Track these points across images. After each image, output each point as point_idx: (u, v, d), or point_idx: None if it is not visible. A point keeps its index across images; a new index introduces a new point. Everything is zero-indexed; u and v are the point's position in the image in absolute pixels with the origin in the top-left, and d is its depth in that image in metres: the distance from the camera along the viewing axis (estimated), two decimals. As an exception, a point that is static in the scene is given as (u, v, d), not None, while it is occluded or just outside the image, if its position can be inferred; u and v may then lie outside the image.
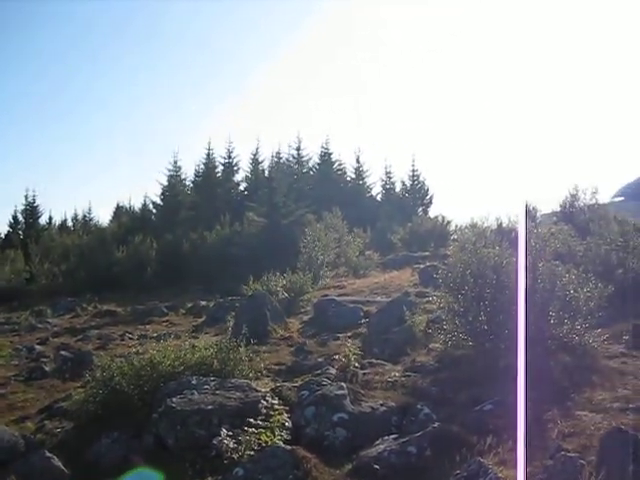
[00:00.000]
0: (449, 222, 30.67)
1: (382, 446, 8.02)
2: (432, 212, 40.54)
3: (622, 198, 58.90)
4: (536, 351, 8.65)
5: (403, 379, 10.45)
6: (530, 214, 21.70)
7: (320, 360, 11.96)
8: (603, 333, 11.19)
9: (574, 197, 25.09)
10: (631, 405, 8.49)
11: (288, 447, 7.87)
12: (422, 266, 19.72)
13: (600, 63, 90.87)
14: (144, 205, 40.14)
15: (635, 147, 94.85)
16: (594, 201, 25.15)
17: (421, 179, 43.32)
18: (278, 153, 42.74)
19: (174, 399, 9.14)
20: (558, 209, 25.25)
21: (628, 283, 14.13)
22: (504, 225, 19.07)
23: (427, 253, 25.25)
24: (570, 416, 8.28)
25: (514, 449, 7.33)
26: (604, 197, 27.29)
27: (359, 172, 43.34)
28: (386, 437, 8.28)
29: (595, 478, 6.54)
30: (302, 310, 17.74)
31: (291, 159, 43.43)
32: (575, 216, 23.19)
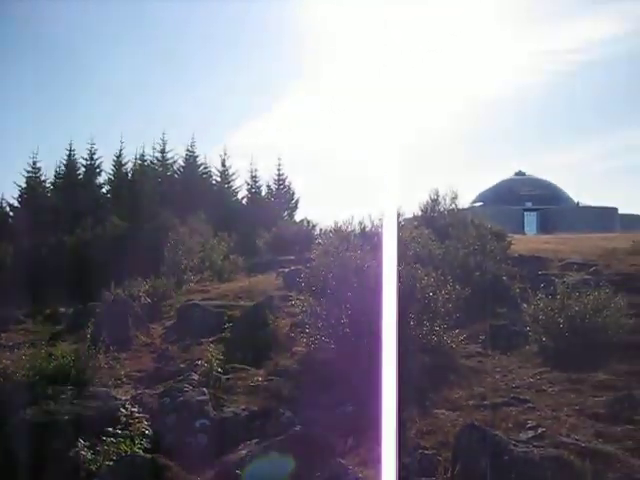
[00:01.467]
0: (314, 226, 30.89)
1: (244, 451, 8.00)
2: (298, 216, 40.77)
3: (481, 203, 61.35)
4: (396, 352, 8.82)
5: (266, 383, 10.45)
6: (392, 218, 22.12)
7: (183, 366, 11.77)
8: (461, 333, 11.60)
9: (435, 202, 25.75)
10: (486, 402, 8.82)
11: (148, 456, 7.72)
12: (287, 270, 19.73)
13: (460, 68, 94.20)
14: (0, 207, 38.48)
15: (494, 154, 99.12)
16: (454, 206, 25.92)
17: (287, 183, 43.54)
18: (142, 155, 41.87)
19: (28, 410, 8.80)
20: (419, 213, 25.85)
21: (485, 285, 14.66)
22: (367, 229, 19.34)
23: (292, 257, 25.31)
24: (428, 415, 8.51)
25: (374, 449, 7.46)
26: (464, 202, 28.19)
27: (225, 175, 43.01)
28: (248, 442, 8.25)
29: (451, 473, 6.75)
30: (165, 315, 17.43)
31: (155, 161, 42.66)
32: (436, 220, 23.81)
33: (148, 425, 8.68)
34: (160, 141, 42.57)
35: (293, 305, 13.34)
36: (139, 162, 41.36)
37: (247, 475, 7.33)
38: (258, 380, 10.60)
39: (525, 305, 12.62)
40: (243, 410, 9.17)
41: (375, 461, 7.31)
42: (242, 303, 16.74)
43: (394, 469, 6.72)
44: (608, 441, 7.35)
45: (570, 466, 6.55)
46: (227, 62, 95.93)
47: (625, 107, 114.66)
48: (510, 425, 7.85)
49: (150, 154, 42.48)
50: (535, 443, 7.02)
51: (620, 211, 70.62)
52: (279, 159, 44.14)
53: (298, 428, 8.22)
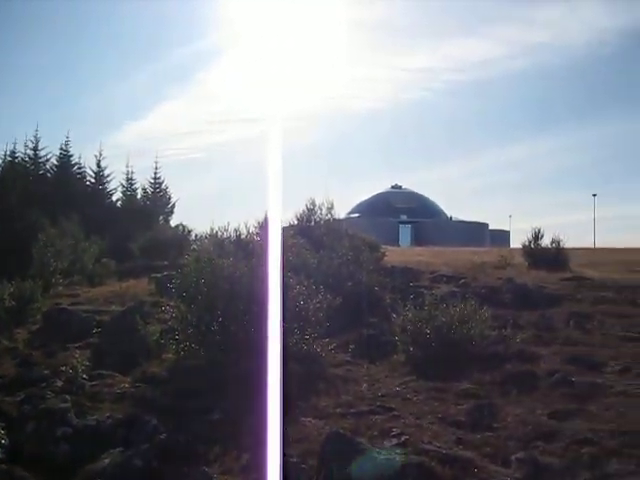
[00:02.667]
0: (190, 231, 30.56)
1: (107, 460, 7.79)
2: (174, 220, 40.25)
3: (358, 214, 62.26)
4: (266, 360, 8.80)
5: (133, 390, 10.21)
6: (269, 227, 22.18)
7: (46, 372, 11.34)
8: (331, 342, 11.70)
9: (311, 211, 25.86)
10: (352, 410, 8.92)
11: (4, 466, 7.41)
12: (160, 275, 19.41)
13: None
14: None
15: (372, 167, 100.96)
16: (330, 216, 26.10)
17: (164, 187, 42.93)
18: (13, 152, 40.35)
19: None
20: (295, 222, 25.90)
21: (357, 295, 14.87)
22: (243, 236, 19.25)
23: (166, 262, 24.93)
24: (295, 423, 8.51)
25: (239, 457, 7.44)
26: (341, 213, 28.42)
27: (99, 177, 41.97)
28: (112, 450, 8.03)
29: (315, 481, 6.77)
30: (31, 320, 16.79)
31: (27, 159, 41.17)
32: (311, 230, 23.91)
33: (5, 434, 8.31)
34: (33, 139, 41.15)
35: (164, 311, 13.11)
36: (9, 159, 39.85)
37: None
38: (125, 387, 10.35)
39: (395, 315, 12.86)
40: (107, 418, 8.90)
41: (241, 469, 7.28)
42: (112, 308, 16.35)
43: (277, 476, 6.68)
44: (468, 447, 7.58)
45: (431, 472, 6.71)
46: (106, 63, 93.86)
47: (497, 127, 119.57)
48: (375, 433, 7.97)
49: (22, 151, 40.98)
50: (398, 450, 7.15)
51: (491, 227, 73.33)
52: (156, 162, 43.48)
53: (163, 436, 8.08)
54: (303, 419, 8.62)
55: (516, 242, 34.56)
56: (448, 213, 75.90)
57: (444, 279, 17.87)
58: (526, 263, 22.79)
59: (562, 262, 22.35)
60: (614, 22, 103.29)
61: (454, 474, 6.77)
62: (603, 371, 10.74)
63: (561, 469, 7.06)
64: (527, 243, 24.15)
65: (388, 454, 6.94)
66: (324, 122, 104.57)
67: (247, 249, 13.98)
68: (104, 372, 11.17)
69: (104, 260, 26.11)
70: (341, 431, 7.27)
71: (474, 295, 14.07)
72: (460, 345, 11.37)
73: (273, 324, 9.13)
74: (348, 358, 11.83)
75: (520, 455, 7.31)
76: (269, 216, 22.84)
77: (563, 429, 8.09)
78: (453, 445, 7.61)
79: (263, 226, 21.07)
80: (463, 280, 17.60)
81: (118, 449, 8.04)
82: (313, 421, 8.56)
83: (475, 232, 66.28)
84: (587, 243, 49.46)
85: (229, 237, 18.89)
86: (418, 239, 59.03)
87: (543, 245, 23.73)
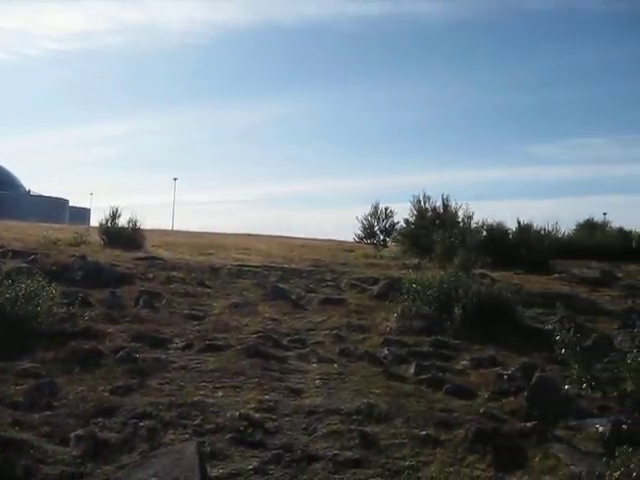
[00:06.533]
0: None
1: None
2: None
3: None
4: None
5: None
6: None
7: None
8: None
9: None
10: None
11: None
12: None
13: None
14: None
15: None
16: None
17: None
18: None
19: None
20: None
21: None
22: None
23: None
24: None
25: None
26: None
27: None
28: None
29: None
30: None
31: None
32: None
33: None
34: None
35: None
36: None
37: None
38: None
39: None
40: None
41: None
42: None
43: None
44: (25, 429, 7.38)
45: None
46: None
47: (91, 101, 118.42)
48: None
49: None
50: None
51: (72, 203, 72.24)
52: None
53: None
54: None
55: (97, 220, 34.66)
56: (27, 186, 73.12)
57: (11, 254, 17.13)
58: (102, 242, 22.86)
59: (138, 242, 22.87)
60: (209, 16, 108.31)
61: (7, 457, 6.57)
62: (168, 347, 11.18)
63: (120, 443, 7.25)
64: (104, 222, 24.23)
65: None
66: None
67: None
68: None
69: None
70: None
71: (44, 272, 13.67)
72: (25, 323, 10.98)
73: None
74: None
75: (79, 432, 7.32)
76: None
77: (124, 404, 8.31)
78: (9, 427, 7.34)
79: None
80: (33, 256, 17.01)
81: None
82: None
83: (55, 208, 64.92)
84: (167, 225, 51.22)
85: None
86: (-8, 212, 56.02)
87: (120, 224, 23.97)
